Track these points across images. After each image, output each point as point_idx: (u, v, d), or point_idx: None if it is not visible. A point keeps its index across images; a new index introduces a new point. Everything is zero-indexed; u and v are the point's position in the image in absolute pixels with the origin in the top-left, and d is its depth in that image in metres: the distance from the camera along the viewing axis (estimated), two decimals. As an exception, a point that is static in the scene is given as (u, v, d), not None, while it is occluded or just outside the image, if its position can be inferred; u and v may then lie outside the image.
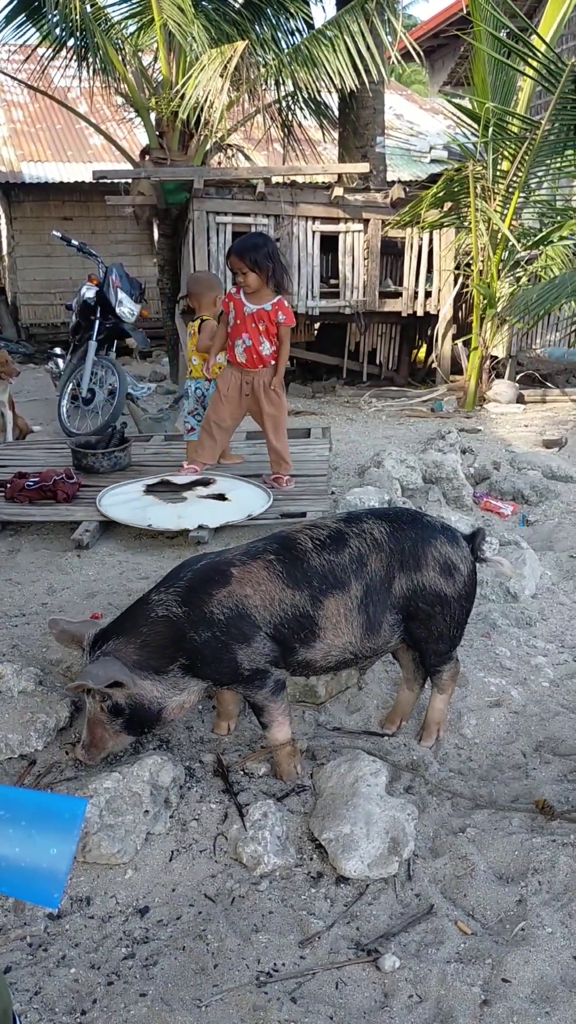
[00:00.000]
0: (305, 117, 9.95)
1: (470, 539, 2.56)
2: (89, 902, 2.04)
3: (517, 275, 7.37)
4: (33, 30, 8.99)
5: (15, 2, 8.91)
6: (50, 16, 8.41)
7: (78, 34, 8.58)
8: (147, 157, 9.11)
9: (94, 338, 6.39)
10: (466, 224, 7.50)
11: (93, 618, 3.19)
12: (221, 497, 4.47)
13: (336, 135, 9.83)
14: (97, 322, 6.47)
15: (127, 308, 6.60)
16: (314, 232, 8.11)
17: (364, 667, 2.57)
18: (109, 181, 9.25)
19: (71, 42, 8.82)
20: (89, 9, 8.42)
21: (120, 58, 8.78)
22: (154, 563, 3.94)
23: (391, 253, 8.52)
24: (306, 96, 9.45)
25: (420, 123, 16.35)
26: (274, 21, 9.35)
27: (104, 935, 1.96)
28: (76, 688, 2.24)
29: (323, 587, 2.32)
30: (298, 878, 2.12)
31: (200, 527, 4.08)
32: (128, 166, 9.63)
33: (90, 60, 8.93)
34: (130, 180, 9.02)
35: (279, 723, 2.38)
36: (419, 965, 1.86)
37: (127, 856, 2.14)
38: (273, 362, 4.57)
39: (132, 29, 9.23)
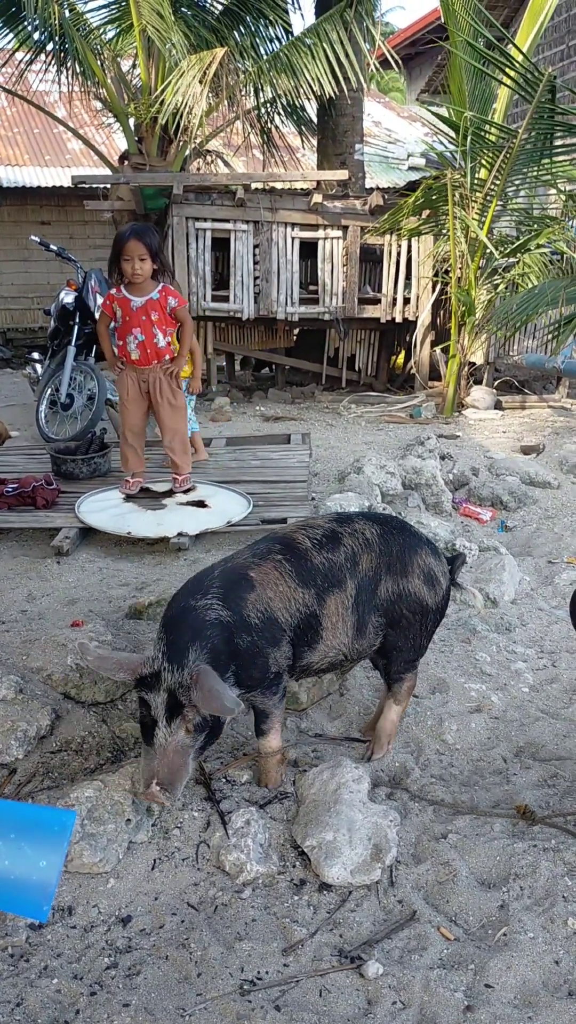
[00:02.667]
0: (284, 123, 9.98)
1: (451, 561, 2.60)
2: (71, 912, 2.03)
3: (495, 282, 7.42)
4: (11, 35, 8.94)
5: (-7, 6, 8.88)
6: (29, 21, 8.39)
7: (57, 39, 8.56)
8: (126, 162, 9.10)
9: (73, 343, 6.37)
10: (444, 231, 7.55)
11: (74, 625, 3.18)
12: (201, 504, 4.46)
13: (315, 142, 9.86)
14: (76, 327, 6.44)
15: (106, 313, 6.58)
16: (293, 238, 8.13)
17: (344, 671, 2.58)
18: (88, 186, 9.22)
19: (50, 47, 8.80)
20: (68, 14, 8.40)
21: (99, 63, 8.77)
22: (135, 570, 3.93)
23: (370, 260, 8.55)
24: (285, 103, 9.48)
25: (398, 130, 16.44)
26: (253, 28, 9.37)
27: (86, 945, 1.95)
28: (227, 714, 2.00)
29: (326, 585, 2.33)
30: (281, 886, 2.12)
31: (180, 534, 4.07)
32: (107, 171, 9.61)
33: (69, 65, 8.91)
34: (109, 185, 9.00)
35: (276, 731, 2.39)
36: (402, 971, 1.87)
37: (109, 865, 2.13)
38: (169, 356, 4.45)
39: (111, 34, 9.23)
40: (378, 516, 2.59)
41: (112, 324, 4.46)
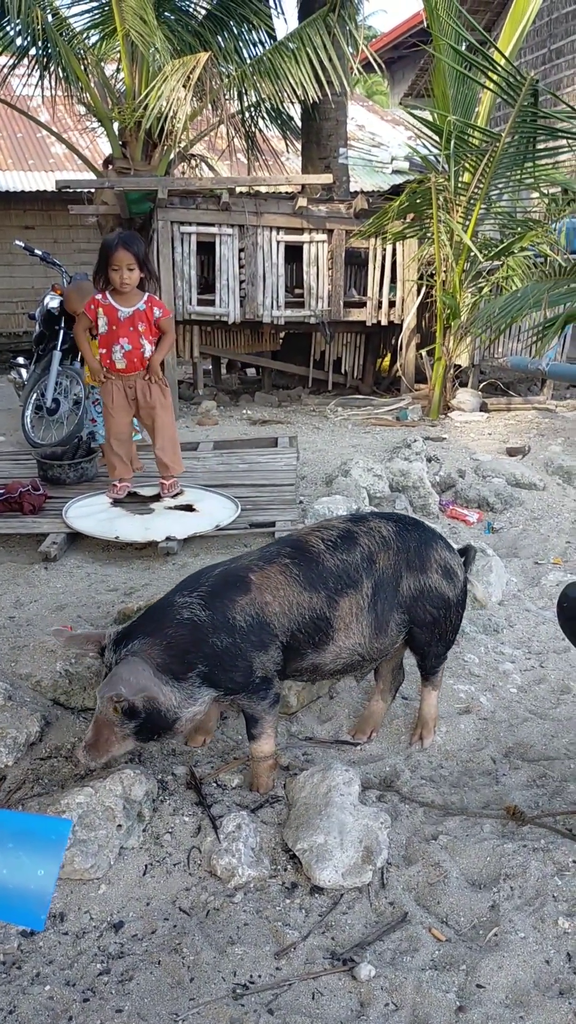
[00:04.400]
0: (268, 128, 10.00)
1: (462, 553, 2.67)
2: (63, 918, 2.03)
3: (480, 285, 7.45)
4: (-6, 39, 8.93)
5: (-25, 12, 8.86)
6: (11, 25, 8.37)
7: (40, 43, 8.55)
8: (110, 167, 9.09)
9: (58, 348, 6.36)
10: (429, 235, 7.58)
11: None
12: (189, 508, 4.46)
13: (299, 146, 9.88)
14: (62, 332, 6.43)
15: (92, 318, 6.57)
16: (278, 242, 8.14)
17: (363, 674, 2.60)
18: (72, 190, 9.21)
19: (33, 51, 8.78)
20: (51, 19, 8.39)
21: (83, 68, 8.77)
22: (123, 575, 3.93)
23: (355, 263, 8.58)
24: (269, 107, 9.50)
25: (382, 134, 16.50)
26: (236, 32, 9.39)
27: (79, 951, 1.95)
28: (110, 699, 2.14)
29: (338, 587, 2.34)
30: (273, 889, 2.13)
31: (168, 538, 4.07)
32: (91, 175, 9.60)
33: (52, 69, 8.90)
34: (93, 189, 9.00)
35: (268, 736, 2.39)
36: (394, 973, 1.87)
37: (100, 871, 2.13)
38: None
39: (95, 39, 9.22)
40: (391, 514, 2.62)
41: (94, 332, 4.44)
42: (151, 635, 2.25)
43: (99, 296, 4.36)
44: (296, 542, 2.44)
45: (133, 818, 2.26)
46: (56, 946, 1.96)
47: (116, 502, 4.54)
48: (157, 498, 4.59)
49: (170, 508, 4.47)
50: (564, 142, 6.88)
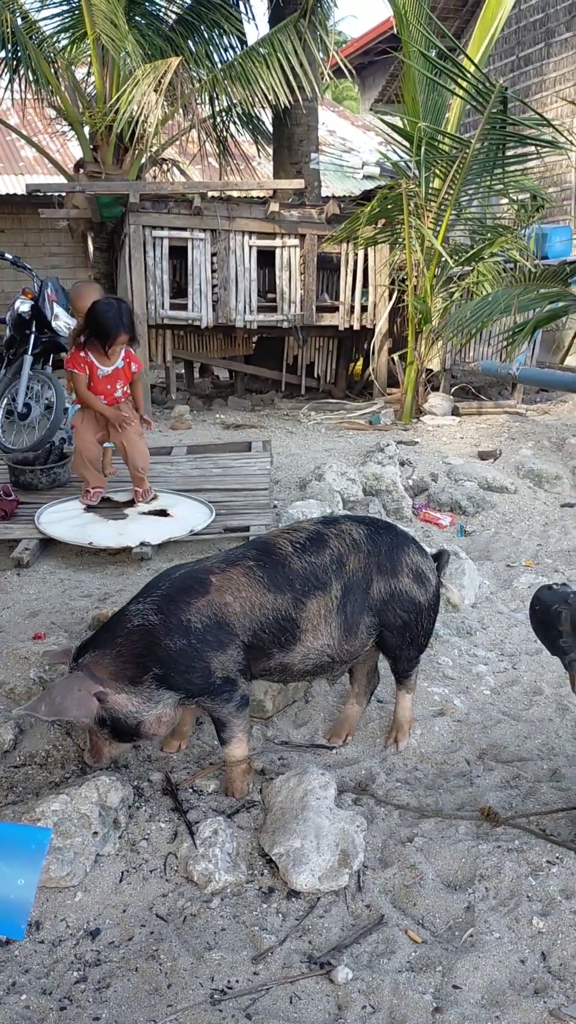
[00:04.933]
0: (239, 132, 10.02)
1: (436, 558, 2.68)
2: (39, 926, 2.02)
3: (451, 290, 7.51)
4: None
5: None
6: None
7: (9, 46, 8.51)
8: (81, 170, 9.06)
9: (30, 352, 6.31)
10: (400, 240, 7.63)
11: (36, 638, 3.16)
12: (163, 513, 4.45)
13: (271, 151, 9.90)
14: (33, 336, 6.39)
15: (63, 322, 6.53)
16: (251, 247, 8.15)
17: (335, 676, 2.61)
18: (43, 194, 9.17)
19: (2, 54, 8.74)
20: (20, 22, 8.37)
21: (53, 71, 8.74)
22: (96, 580, 3.91)
23: (327, 268, 8.61)
24: (240, 112, 9.52)
25: (352, 139, 16.56)
26: (207, 37, 9.40)
27: (55, 959, 1.94)
28: (23, 717, 2.23)
29: (305, 589, 2.35)
30: (249, 894, 2.13)
31: (142, 544, 4.06)
32: (61, 179, 9.56)
33: (21, 73, 8.87)
34: (64, 193, 8.96)
35: (239, 739, 2.39)
36: (371, 976, 1.88)
37: (76, 879, 2.12)
38: (128, 399, 4.54)
39: (65, 42, 9.19)
40: (363, 517, 2.64)
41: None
42: (102, 646, 2.30)
43: (82, 353, 4.41)
44: (264, 544, 2.45)
45: (109, 825, 2.25)
46: (32, 955, 1.95)
47: (89, 508, 4.52)
48: (131, 503, 4.58)
49: (144, 513, 4.46)
50: (532, 149, 6.96)
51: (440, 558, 2.71)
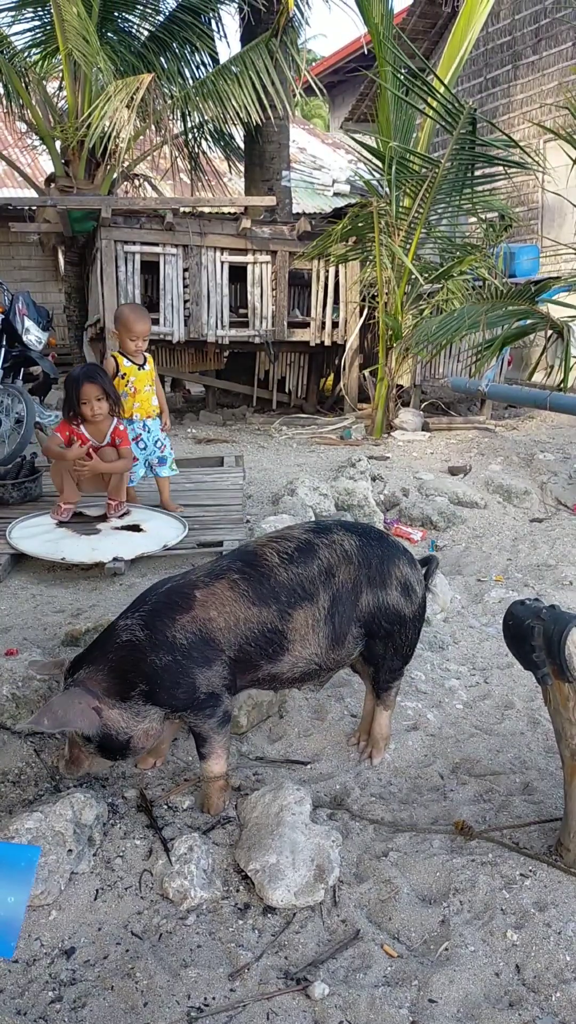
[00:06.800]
0: (211, 148, 10.09)
1: (424, 564, 2.68)
2: (13, 947, 2.00)
3: (421, 307, 7.60)
4: None
5: None
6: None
7: (-20, 60, 8.51)
8: (53, 184, 9.07)
9: (0, 366, 6.29)
10: (371, 258, 7.70)
11: (8, 654, 3.13)
12: (136, 528, 4.45)
13: (242, 167, 9.98)
14: (3, 350, 6.36)
15: (34, 336, 6.52)
16: (223, 262, 8.20)
17: (323, 681, 2.61)
18: (12, 208, 9.15)
19: (-28, 67, 8.73)
20: (-8, 36, 8.36)
21: (24, 85, 8.74)
22: (69, 596, 3.89)
23: (299, 284, 8.68)
24: (212, 129, 9.59)
25: (323, 157, 16.72)
26: (179, 54, 9.47)
27: (29, 979, 1.92)
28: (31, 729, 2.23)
29: (292, 600, 2.34)
30: (225, 910, 2.13)
31: (115, 559, 4.05)
32: (31, 192, 9.56)
33: (-8, 87, 8.86)
34: (35, 207, 8.95)
35: (218, 755, 2.39)
36: (348, 991, 1.89)
37: (51, 897, 2.10)
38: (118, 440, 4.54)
39: (36, 57, 9.21)
40: (356, 526, 2.60)
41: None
42: (95, 662, 2.31)
43: (74, 425, 4.42)
44: (250, 555, 2.43)
45: (84, 842, 2.24)
46: (6, 974, 1.93)
47: (61, 523, 4.50)
48: (103, 518, 4.56)
49: (117, 528, 4.44)
50: (501, 169, 7.08)
51: (429, 564, 2.70)
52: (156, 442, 4.81)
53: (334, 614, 2.39)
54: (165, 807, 2.46)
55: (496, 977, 1.93)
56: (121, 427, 4.48)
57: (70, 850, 2.19)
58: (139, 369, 4.71)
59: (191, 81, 9.33)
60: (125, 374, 4.66)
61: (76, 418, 4.37)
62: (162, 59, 9.37)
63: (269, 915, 2.11)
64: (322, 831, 2.25)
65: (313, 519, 4.76)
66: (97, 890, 2.16)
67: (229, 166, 10.54)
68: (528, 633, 2.22)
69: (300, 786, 2.42)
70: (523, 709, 3.16)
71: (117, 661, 2.28)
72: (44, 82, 9.13)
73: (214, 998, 1.88)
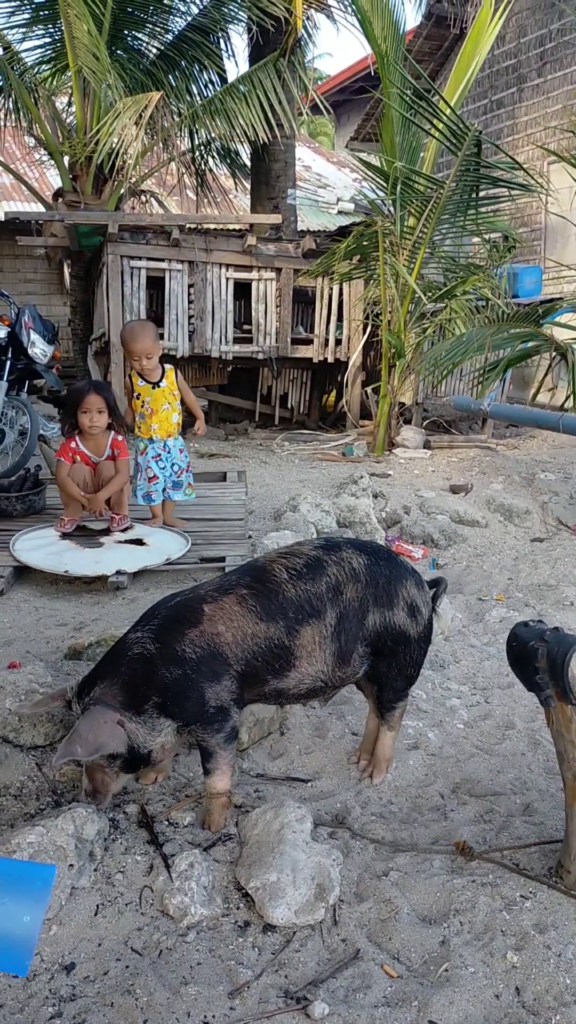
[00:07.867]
0: (218, 166, 10.17)
1: (432, 585, 2.67)
2: (13, 961, 2.00)
3: (424, 326, 7.64)
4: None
5: None
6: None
7: (-10, 75, 8.59)
8: (60, 199, 9.13)
9: (4, 378, 6.32)
10: (375, 276, 7.76)
11: (11, 666, 3.14)
12: (139, 542, 4.46)
13: (248, 184, 10.05)
14: (8, 363, 6.39)
15: (40, 349, 6.55)
16: (228, 279, 8.25)
17: (328, 697, 2.62)
18: (19, 221, 9.21)
19: (-18, 83, 8.82)
20: (2, 52, 8.44)
21: (34, 101, 8.82)
22: (72, 609, 3.90)
23: (303, 301, 8.73)
24: (219, 146, 9.67)
25: (328, 175, 16.83)
26: (188, 72, 9.56)
27: (29, 994, 1.92)
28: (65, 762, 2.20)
29: (299, 616, 2.34)
30: (225, 928, 2.13)
31: (118, 572, 4.06)
32: (38, 206, 9.63)
33: (1, 102, 8.94)
34: (42, 221, 9.01)
35: (223, 772, 2.39)
36: (348, 1011, 1.89)
37: (52, 912, 2.10)
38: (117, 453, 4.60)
39: (46, 73, 9.29)
40: (365, 545, 2.59)
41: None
42: (109, 677, 2.31)
43: (73, 444, 4.50)
44: (259, 570, 2.43)
45: (85, 857, 2.24)
46: (6, 989, 1.93)
47: (65, 535, 4.52)
48: (106, 532, 4.58)
49: (120, 542, 4.46)
50: (505, 190, 7.14)
51: (437, 586, 2.69)
52: (173, 465, 4.83)
53: (341, 632, 2.40)
54: (166, 823, 2.46)
55: (496, 999, 1.93)
56: (119, 437, 4.51)
57: (71, 865, 2.19)
58: (153, 388, 4.71)
59: (199, 99, 9.42)
60: (140, 394, 4.68)
61: (74, 431, 4.39)
62: (171, 77, 9.46)
63: (269, 933, 2.11)
64: (323, 849, 2.25)
65: (318, 536, 4.77)
66: (98, 905, 2.16)
67: (235, 183, 10.62)
68: (532, 655, 2.22)
69: (301, 804, 2.42)
70: (524, 729, 3.16)
71: (130, 675, 2.28)
72: (53, 98, 9.21)
73: (214, 1016, 1.88)
